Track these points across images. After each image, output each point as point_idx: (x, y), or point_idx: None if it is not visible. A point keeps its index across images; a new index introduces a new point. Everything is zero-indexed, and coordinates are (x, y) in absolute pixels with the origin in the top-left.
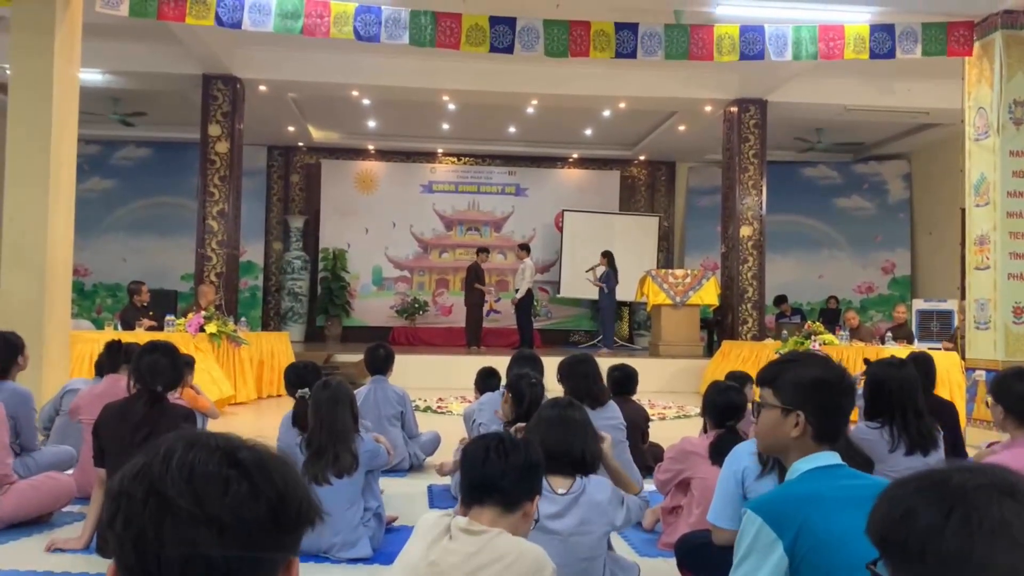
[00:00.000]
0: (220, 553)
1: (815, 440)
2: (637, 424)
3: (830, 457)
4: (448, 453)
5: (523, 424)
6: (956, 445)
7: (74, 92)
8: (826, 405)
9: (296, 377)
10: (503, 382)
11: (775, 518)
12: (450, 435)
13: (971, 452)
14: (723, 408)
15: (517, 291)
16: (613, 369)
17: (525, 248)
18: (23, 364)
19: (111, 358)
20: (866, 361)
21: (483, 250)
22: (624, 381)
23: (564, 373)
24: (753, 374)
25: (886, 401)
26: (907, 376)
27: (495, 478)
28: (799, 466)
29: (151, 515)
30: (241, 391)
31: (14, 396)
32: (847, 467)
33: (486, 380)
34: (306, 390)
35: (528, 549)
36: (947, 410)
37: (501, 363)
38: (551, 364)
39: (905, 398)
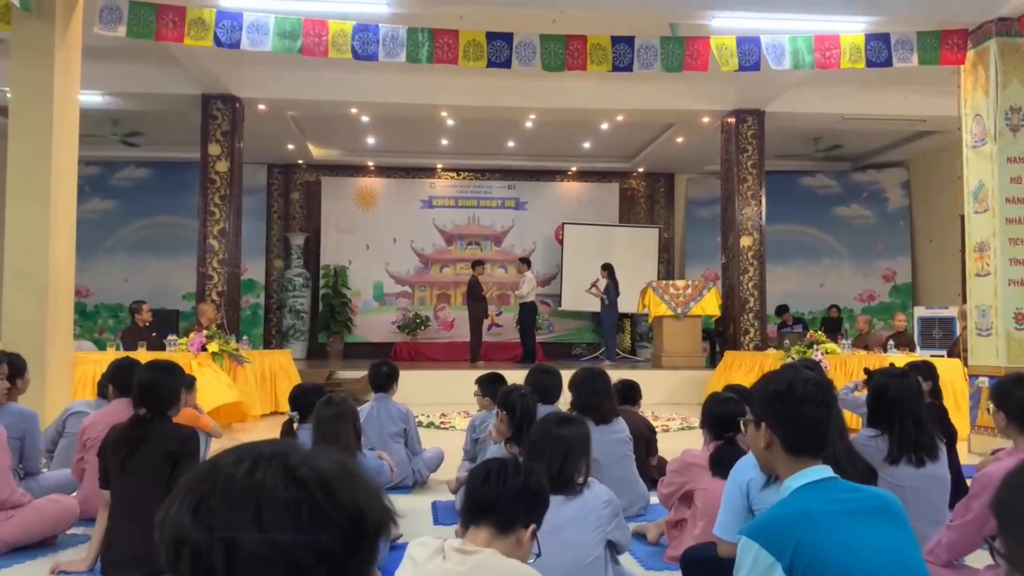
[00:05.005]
0: None
1: (790, 453)
2: (642, 434)
3: (820, 471)
4: (452, 470)
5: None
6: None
7: (74, 113)
8: (787, 415)
9: (295, 400)
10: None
11: (770, 541)
12: (453, 451)
13: (975, 460)
14: (722, 419)
15: (521, 297)
16: (616, 383)
17: (526, 262)
18: (22, 387)
19: (122, 380)
20: (866, 371)
21: (478, 263)
22: (627, 392)
23: (575, 385)
24: None
25: (886, 410)
26: (908, 385)
27: (491, 498)
28: (789, 484)
29: (219, 561)
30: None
31: (20, 418)
32: (839, 480)
33: (492, 385)
34: (295, 414)
35: (522, 570)
36: (939, 415)
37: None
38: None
39: (905, 407)
